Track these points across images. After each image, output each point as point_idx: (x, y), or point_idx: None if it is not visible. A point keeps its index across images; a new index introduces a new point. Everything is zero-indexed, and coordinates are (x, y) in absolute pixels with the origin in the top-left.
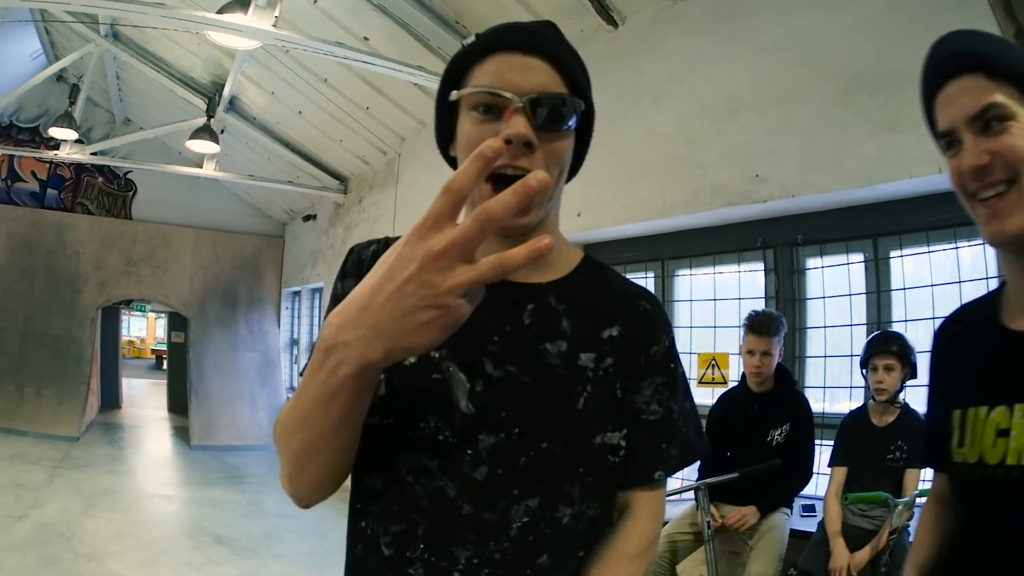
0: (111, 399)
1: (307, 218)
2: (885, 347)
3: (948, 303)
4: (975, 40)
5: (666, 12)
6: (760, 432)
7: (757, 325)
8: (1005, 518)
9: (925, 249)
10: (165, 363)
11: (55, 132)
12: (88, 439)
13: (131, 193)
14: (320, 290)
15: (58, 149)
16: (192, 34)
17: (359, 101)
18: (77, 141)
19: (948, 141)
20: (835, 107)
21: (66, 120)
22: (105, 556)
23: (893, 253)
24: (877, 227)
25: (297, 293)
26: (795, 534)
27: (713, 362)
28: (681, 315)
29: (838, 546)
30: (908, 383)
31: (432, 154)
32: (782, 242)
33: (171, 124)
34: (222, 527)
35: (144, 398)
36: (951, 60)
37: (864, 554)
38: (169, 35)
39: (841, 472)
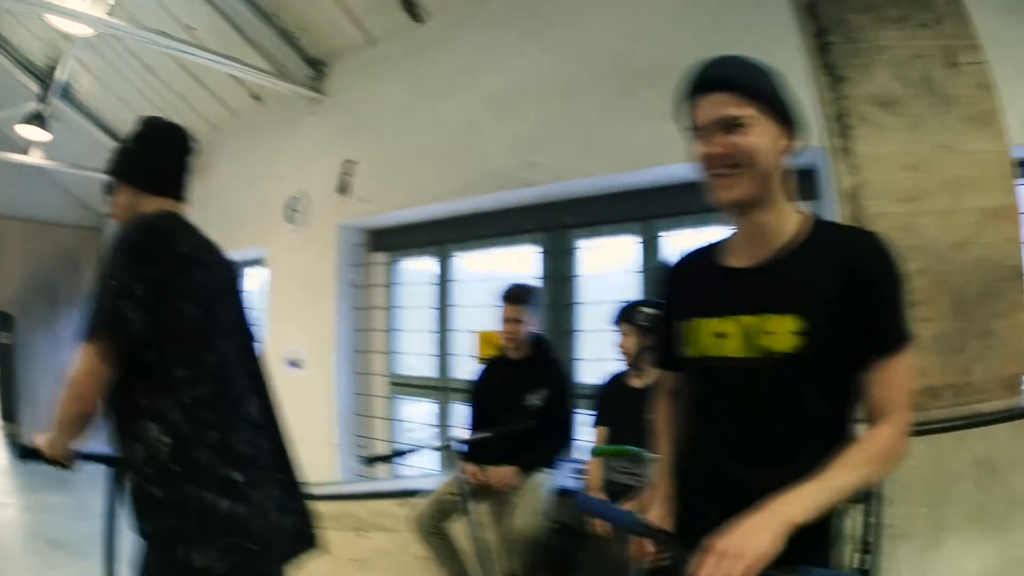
0: None
1: None
2: (626, 316)
3: None
4: (726, 66)
5: (469, 9)
6: (517, 396)
7: (508, 295)
8: (726, 387)
9: (695, 230)
10: None
11: None
12: None
13: None
14: None
15: None
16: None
17: (180, 90)
18: None
19: (698, 134)
20: (614, 99)
21: None
22: None
23: (664, 233)
24: (648, 210)
25: None
26: (566, 493)
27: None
28: (461, 296)
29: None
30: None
31: (239, 145)
32: (555, 225)
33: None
34: (57, 531)
35: None
36: (706, 80)
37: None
38: (12, 12)
39: (603, 432)
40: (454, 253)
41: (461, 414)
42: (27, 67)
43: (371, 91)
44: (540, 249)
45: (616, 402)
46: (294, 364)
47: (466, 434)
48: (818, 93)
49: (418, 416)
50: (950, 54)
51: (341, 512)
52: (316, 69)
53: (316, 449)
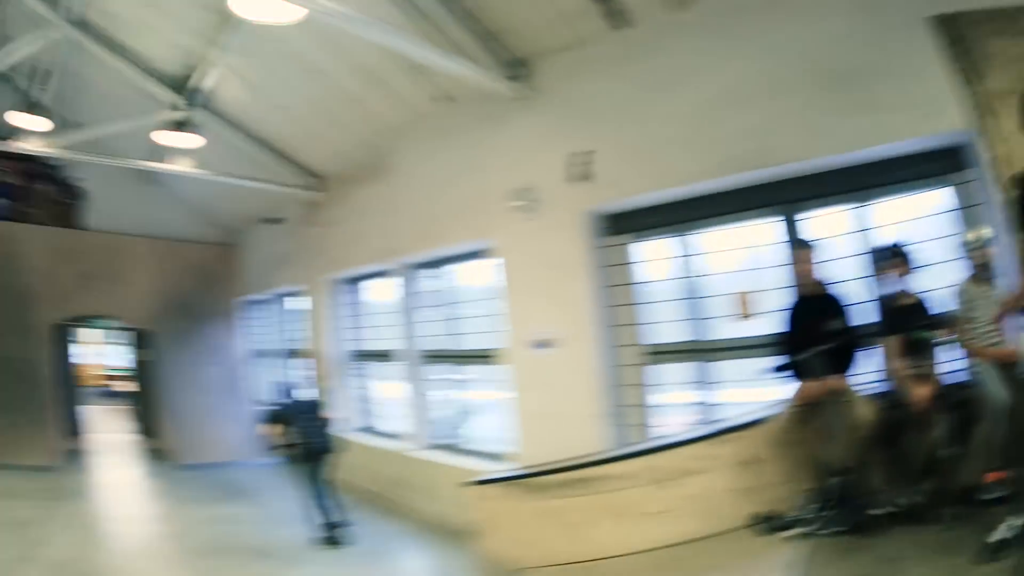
0: (70, 425)
1: (272, 221)
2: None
3: None
4: None
5: (673, 16)
6: (821, 324)
7: (800, 244)
8: None
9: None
10: (116, 389)
11: (18, 120)
12: (66, 468)
13: (83, 202)
14: (294, 293)
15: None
16: (170, 19)
17: (352, 92)
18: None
19: None
20: (818, 94)
21: (33, 107)
22: None
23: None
24: (863, 183)
25: (258, 302)
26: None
27: None
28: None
29: None
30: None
31: (429, 145)
32: (787, 200)
33: (135, 119)
34: (255, 539)
35: (103, 423)
36: None
37: None
38: (143, 20)
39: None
40: (693, 231)
41: (719, 371)
42: (158, 76)
43: (585, 90)
44: (778, 220)
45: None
46: (542, 345)
47: (779, 361)
48: (961, 85)
49: (673, 378)
50: None
51: (639, 469)
52: (516, 69)
53: (579, 422)
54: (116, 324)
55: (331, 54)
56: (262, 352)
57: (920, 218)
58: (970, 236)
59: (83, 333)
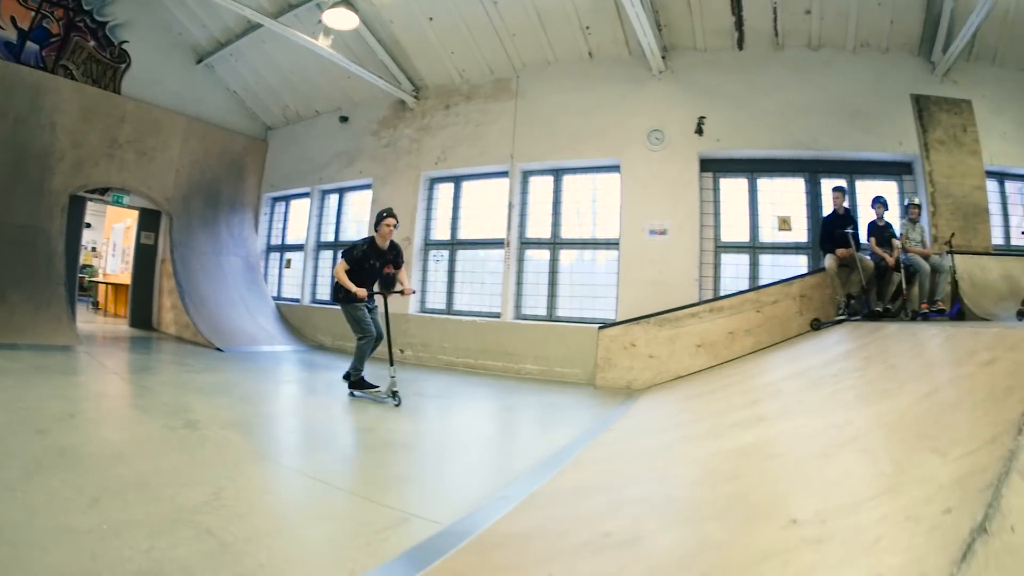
0: (72, 307)
1: (343, 119)
2: (874, 201)
3: None
4: None
5: (771, 50)
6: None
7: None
8: None
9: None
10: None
11: None
12: (95, 350)
13: (124, 66)
14: (368, 186)
15: None
16: None
17: (498, 25)
18: None
19: None
20: (845, 116)
21: None
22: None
23: (869, 179)
24: (861, 169)
25: (280, 199)
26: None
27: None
28: (765, 196)
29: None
30: None
31: (558, 82)
32: (823, 170)
33: None
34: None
35: (81, 312)
36: None
37: None
38: None
39: None
40: (760, 177)
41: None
42: None
43: (708, 77)
44: (808, 180)
45: (876, 228)
46: (655, 232)
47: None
48: (919, 132)
49: (734, 262)
50: None
51: (742, 302)
52: (664, 52)
53: (682, 285)
54: (135, 202)
55: None
56: (286, 247)
57: (888, 192)
58: (908, 201)
59: (98, 207)
